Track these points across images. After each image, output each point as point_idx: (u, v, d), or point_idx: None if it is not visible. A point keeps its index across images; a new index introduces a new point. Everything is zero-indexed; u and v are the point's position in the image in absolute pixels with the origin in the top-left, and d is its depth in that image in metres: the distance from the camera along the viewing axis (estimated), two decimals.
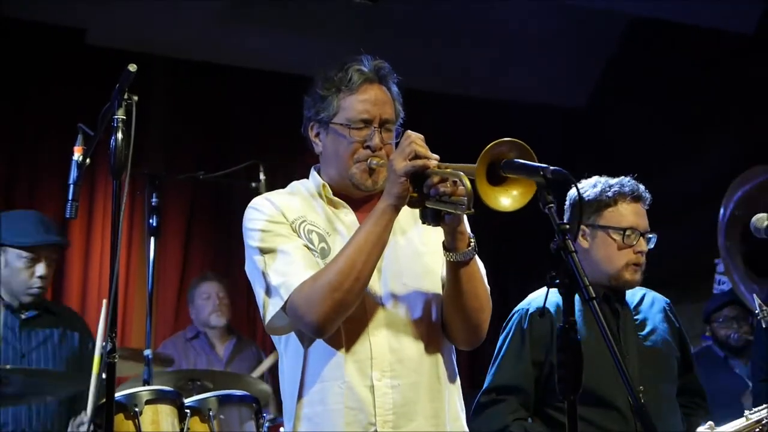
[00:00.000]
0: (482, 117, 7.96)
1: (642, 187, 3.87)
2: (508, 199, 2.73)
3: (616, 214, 3.82)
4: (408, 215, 3.03)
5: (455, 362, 3.14)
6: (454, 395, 3.08)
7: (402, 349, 2.98)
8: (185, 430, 4.20)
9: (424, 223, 2.90)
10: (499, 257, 7.95)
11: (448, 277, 2.98)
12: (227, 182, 6.40)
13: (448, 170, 2.81)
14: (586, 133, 8.51)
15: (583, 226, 3.82)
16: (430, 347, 3.03)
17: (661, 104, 7.81)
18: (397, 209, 2.89)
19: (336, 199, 3.09)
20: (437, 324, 3.06)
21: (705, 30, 7.56)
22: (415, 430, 2.96)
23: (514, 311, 3.88)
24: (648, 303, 3.96)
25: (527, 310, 3.82)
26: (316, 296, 2.86)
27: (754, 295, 4.11)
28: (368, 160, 3.02)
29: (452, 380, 3.08)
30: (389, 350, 2.97)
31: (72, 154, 3.48)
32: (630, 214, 3.82)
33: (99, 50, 7.36)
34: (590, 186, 3.87)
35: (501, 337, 3.87)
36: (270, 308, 2.95)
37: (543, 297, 3.79)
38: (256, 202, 3.09)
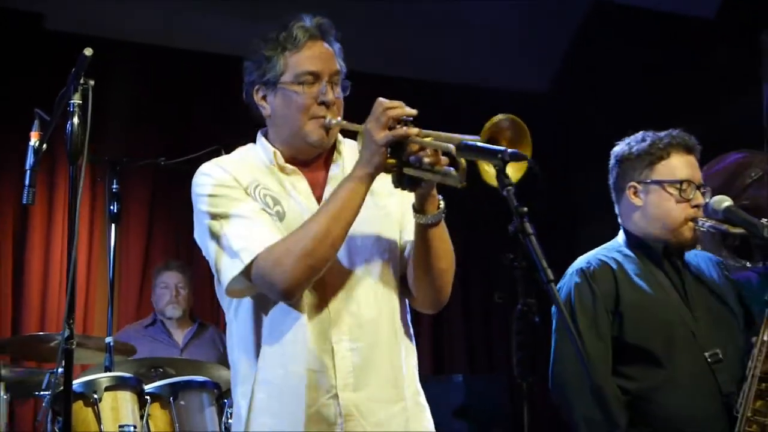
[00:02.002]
0: (448, 102, 7.99)
1: (693, 138, 3.73)
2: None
3: (669, 167, 3.66)
4: None
5: (410, 323, 3.15)
6: (410, 356, 3.10)
7: (360, 311, 2.99)
8: (145, 416, 4.19)
9: (397, 187, 2.88)
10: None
11: (416, 240, 2.98)
12: (189, 169, 6.34)
13: (428, 140, 2.79)
14: (549, 118, 8.50)
15: (633, 183, 3.68)
16: (387, 309, 3.04)
17: (623, 89, 7.82)
18: (374, 177, 2.88)
19: (288, 165, 3.07)
20: (394, 286, 3.08)
21: (666, 14, 7.58)
22: (375, 392, 2.98)
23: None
24: (699, 260, 3.81)
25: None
26: (288, 261, 2.85)
27: None
28: (327, 119, 3.01)
29: (410, 340, 3.11)
30: (348, 312, 2.97)
31: (29, 139, 3.45)
32: (684, 166, 3.66)
33: (58, 35, 7.29)
34: (636, 141, 3.73)
35: None
36: (229, 272, 2.92)
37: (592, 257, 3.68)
38: (206, 167, 3.06)
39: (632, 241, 3.71)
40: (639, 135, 3.75)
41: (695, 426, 3.46)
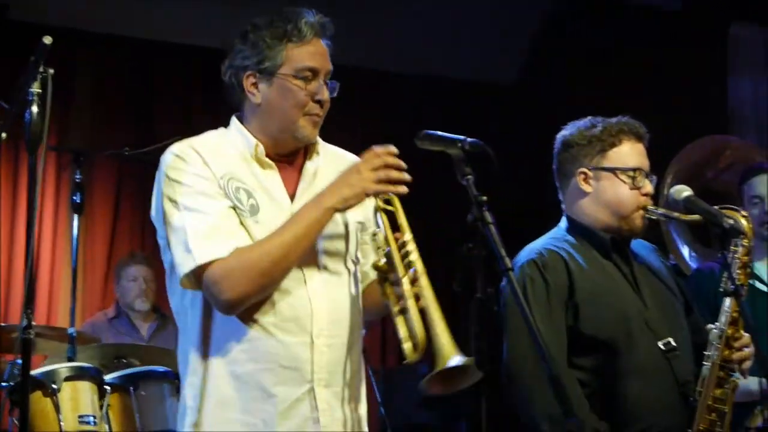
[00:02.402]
0: (412, 93, 7.97)
1: (643, 126, 3.68)
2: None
3: (621, 154, 3.60)
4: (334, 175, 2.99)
5: None
6: (361, 352, 3.10)
7: (336, 307, 2.98)
8: (105, 406, 4.16)
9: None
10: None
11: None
12: (154, 159, 6.31)
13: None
14: (517, 109, 8.52)
15: (584, 169, 3.62)
16: (356, 310, 3.03)
17: (591, 79, 7.83)
18: (339, 212, 2.90)
19: (267, 160, 3.02)
20: (358, 287, 3.08)
21: (634, 4, 7.60)
22: (342, 390, 2.97)
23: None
24: (640, 248, 3.78)
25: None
26: (240, 275, 2.82)
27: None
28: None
29: (361, 339, 3.11)
30: (327, 309, 2.95)
31: None
32: (636, 154, 3.62)
33: (21, 25, 7.22)
34: (586, 126, 3.68)
35: None
36: (182, 267, 2.87)
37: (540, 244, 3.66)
38: (181, 149, 2.96)
39: (577, 228, 3.66)
40: (587, 120, 3.69)
41: (654, 416, 3.44)
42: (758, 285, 4.47)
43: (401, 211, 2.95)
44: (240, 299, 2.84)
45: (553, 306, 3.49)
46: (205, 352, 2.96)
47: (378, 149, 2.88)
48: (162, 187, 2.95)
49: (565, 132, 3.72)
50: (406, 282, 2.85)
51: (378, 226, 2.98)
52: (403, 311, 2.84)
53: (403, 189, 2.86)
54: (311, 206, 2.89)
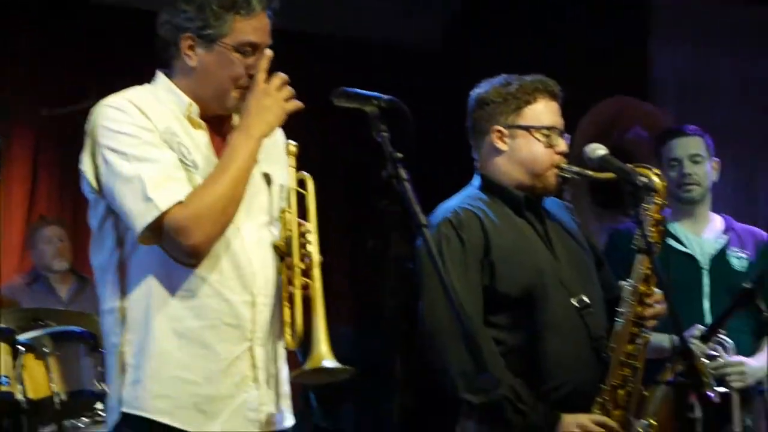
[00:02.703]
0: (334, 56, 7.94)
1: (557, 85, 3.69)
2: None
3: (536, 112, 3.61)
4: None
5: None
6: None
7: (268, 265, 2.99)
8: (18, 367, 4.12)
9: None
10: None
11: None
12: (74, 120, 6.24)
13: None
14: (441, 75, 8.51)
15: (499, 127, 3.61)
16: (276, 269, 3.03)
17: (517, 44, 7.84)
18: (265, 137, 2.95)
19: (199, 120, 3.00)
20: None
21: None
22: (274, 349, 3.00)
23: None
24: (552, 205, 3.80)
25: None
26: (204, 217, 2.81)
27: None
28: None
29: None
30: (263, 267, 2.96)
31: None
32: (551, 113, 3.63)
33: None
34: (501, 84, 3.66)
35: None
36: (142, 218, 2.82)
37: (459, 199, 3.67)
38: (117, 102, 2.91)
39: (491, 187, 3.66)
40: (502, 78, 3.68)
41: (569, 372, 3.48)
42: (674, 244, 4.56)
43: (312, 195, 3.05)
44: (206, 242, 2.84)
45: (468, 265, 3.50)
46: (146, 309, 2.92)
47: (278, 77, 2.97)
48: (101, 140, 2.88)
49: (480, 90, 3.71)
50: (297, 271, 2.94)
51: (289, 206, 3.04)
52: (290, 298, 2.94)
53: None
54: (242, 138, 2.90)
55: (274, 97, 2.91)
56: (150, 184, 2.81)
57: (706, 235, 4.63)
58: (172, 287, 2.90)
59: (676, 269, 4.15)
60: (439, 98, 7.60)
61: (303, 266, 2.94)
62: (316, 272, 2.93)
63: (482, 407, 3.43)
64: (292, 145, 3.13)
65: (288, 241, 2.99)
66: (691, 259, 4.56)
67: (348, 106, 2.92)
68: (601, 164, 3.55)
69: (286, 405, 3.06)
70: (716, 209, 4.74)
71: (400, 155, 2.74)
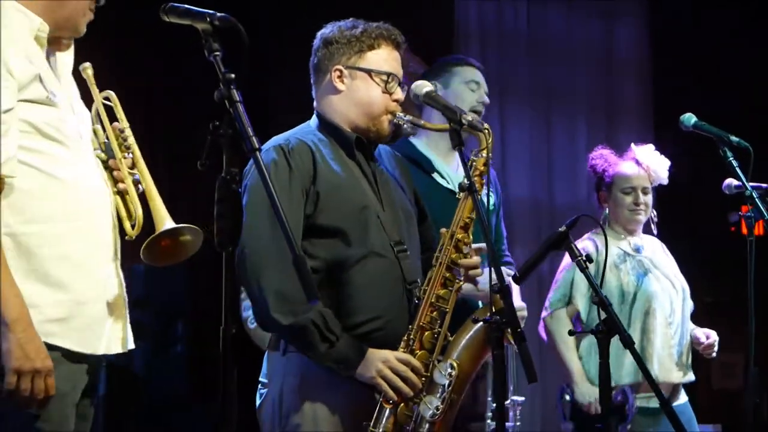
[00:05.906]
0: None
1: (402, 36, 3.77)
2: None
3: (378, 57, 3.68)
4: None
5: None
6: None
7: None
8: None
9: None
10: None
11: None
12: None
13: None
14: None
15: (340, 67, 3.66)
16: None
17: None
18: None
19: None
20: None
21: None
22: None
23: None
24: (382, 152, 3.89)
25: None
26: None
27: None
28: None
29: None
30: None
31: None
32: (392, 60, 3.70)
33: None
34: (347, 26, 3.71)
35: None
36: None
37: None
38: None
39: (326, 126, 3.71)
40: (349, 21, 3.75)
41: (378, 310, 3.54)
42: (439, 179, 4.67)
43: (119, 105, 3.14)
44: None
45: (293, 190, 3.52)
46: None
47: None
48: None
49: (326, 30, 3.76)
50: (124, 166, 3.06)
51: (100, 122, 3.08)
52: (121, 193, 3.06)
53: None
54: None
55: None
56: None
57: (459, 170, 4.66)
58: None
59: (437, 203, 4.14)
60: None
61: (128, 161, 3.09)
62: (141, 164, 3.08)
63: (289, 329, 3.43)
64: (88, 67, 3.17)
65: (107, 145, 3.09)
66: (453, 194, 4.59)
67: (179, 22, 2.82)
68: (426, 101, 3.60)
69: None
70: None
71: (233, 76, 2.67)
